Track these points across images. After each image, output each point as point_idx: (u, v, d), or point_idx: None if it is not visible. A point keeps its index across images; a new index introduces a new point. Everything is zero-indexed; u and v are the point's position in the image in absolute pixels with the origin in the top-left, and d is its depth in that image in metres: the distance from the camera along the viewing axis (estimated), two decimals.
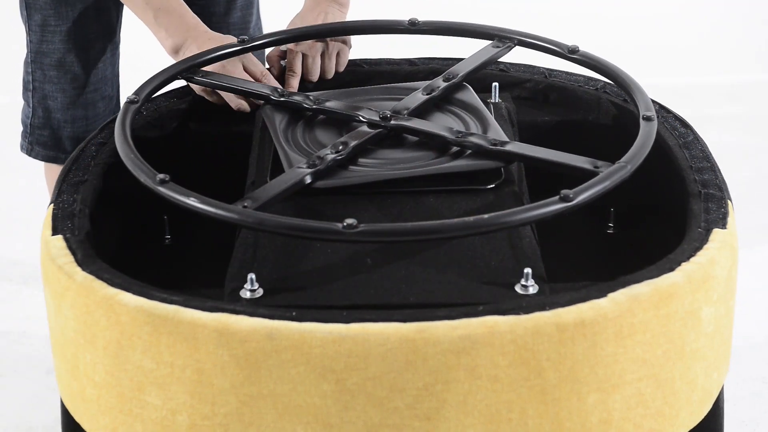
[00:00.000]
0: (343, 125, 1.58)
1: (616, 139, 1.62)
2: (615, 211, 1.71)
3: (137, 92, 1.59)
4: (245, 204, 1.37)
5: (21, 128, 2.08)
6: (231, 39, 1.72)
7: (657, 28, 3.60)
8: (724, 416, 1.48)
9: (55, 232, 1.41)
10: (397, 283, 1.33)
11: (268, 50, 1.79)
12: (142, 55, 3.53)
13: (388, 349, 1.22)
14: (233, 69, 1.69)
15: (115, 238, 1.59)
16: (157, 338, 1.26)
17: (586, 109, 1.73)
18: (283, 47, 1.78)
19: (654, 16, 3.61)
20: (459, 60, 1.73)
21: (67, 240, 1.39)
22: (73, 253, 1.36)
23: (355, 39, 1.89)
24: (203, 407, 1.27)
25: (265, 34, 1.74)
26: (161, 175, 1.38)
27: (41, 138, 1.99)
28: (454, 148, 1.52)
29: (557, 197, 1.33)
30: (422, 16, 1.83)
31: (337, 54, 1.80)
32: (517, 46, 1.72)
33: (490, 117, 1.58)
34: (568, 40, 1.72)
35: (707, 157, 1.54)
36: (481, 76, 1.71)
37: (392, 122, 1.54)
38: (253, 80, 1.69)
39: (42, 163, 2.10)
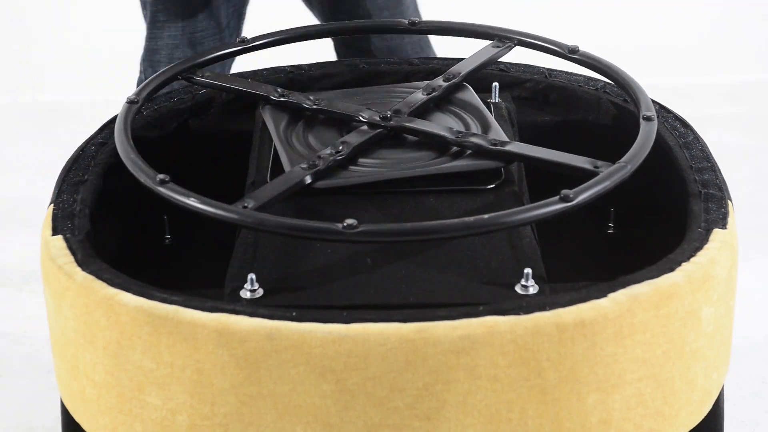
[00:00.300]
0: (343, 125, 1.58)
1: (616, 139, 1.62)
2: (615, 211, 1.71)
3: (137, 92, 1.59)
4: (245, 204, 1.37)
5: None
6: None
7: (657, 28, 3.60)
8: (724, 416, 1.48)
9: (55, 232, 1.41)
10: (397, 283, 1.33)
11: None
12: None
13: (388, 349, 1.22)
14: None
15: (115, 238, 1.59)
16: (157, 338, 1.26)
17: (586, 109, 1.73)
18: None
19: (654, 15, 3.61)
20: (459, 60, 1.73)
21: (67, 240, 1.39)
22: (73, 253, 1.36)
23: None
24: (203, 407, 1.27)
25: (265, 34, 1.74)
26: (161, 176, 1.38)
27: None
28: (454, 148, 1.52)
29: (557, 197, 1.33)
30: (422, 16, 1.83)
31: None
32: (517, 46, 1.72)
33: (490, 117, 1.58)
34: (568, 40, 1.72)
35: (707, 157, 1.54)
36: (481, 76, 1.71)
37: (392, 122, 1.54)
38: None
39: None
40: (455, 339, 1.22)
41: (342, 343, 1.22)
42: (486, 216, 1.31)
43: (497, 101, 1.70)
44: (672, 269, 1.31)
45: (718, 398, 1.44)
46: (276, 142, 1.55)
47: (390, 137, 1.55)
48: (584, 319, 1.25)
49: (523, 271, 1.32)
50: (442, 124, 1.56)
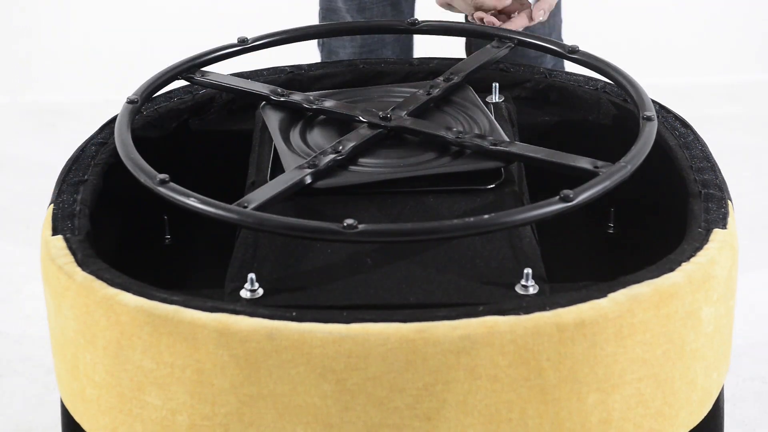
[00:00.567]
0: (343, 125, 1.58)
1: (616, 139, 1.62)
2: (615, 211, 1.71)
3: (137, 92, 1.59)
4: (245, 204, 1.37)
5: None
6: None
7: (657, 28, 3.60)
8: (724, 416, 1.48)
9: (55, 232, 1.41)
10: (397, 283, 1.33)
11: None
12: (142, 55, 3.54)
13: (388, 349, 1.22)
14: None
15: (115, 238, 1.60)
16: (157, 338, 1.26)
17: (586, 109, 1.73)
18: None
19: (654, 15, 3.61)
20: (459, 60, 1.73)
21: (67, 240, 1.39)
22: (73, 253, 1.36)
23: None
24: (203, 407, 1.27)
25: (265, 34, 1.74)
26: (161, 176, 1.38)
27: None
28: (454, 149, 1.52)
29: (557, 197, 1.33)
30: (422, 16, 1.83)
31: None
32: (517, 46, 1.72)
33: (490, 117, 1.58)
34: (568, 40, 1.72)
35: (707, 157, 1.54)
36: (481, 76, 1.71)
37: (392, 122, 1.54)
38: None
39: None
40: (455, 339, 1.22)
41: (342, 343, 1.22)
42: (486, 216, 1.31)
43: (497, 101, 1.70)
44: (672, 269, 1.31)
45: (718, 398, 1.44)
46: (276, 142, 1.55)
47: (390, 137, 1.55)
48: (584, 319, 1.25)
49: (523, 271, 1.32)
50: (442, 124, 1.56)
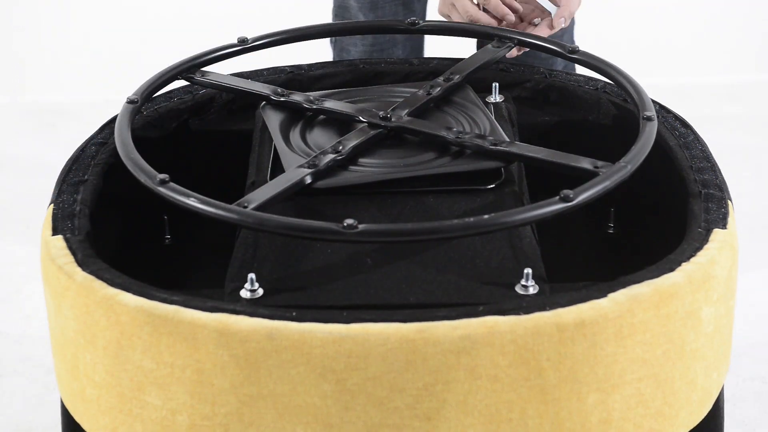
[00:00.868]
0: (343, 125, 1.58)
1: (616, 139, 1.62)
2: (615, 211, 1.71)
3: (137, 92, 1.59)
4: (245, 204, 1.37)
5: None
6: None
7: (657, 28, 3.60)
8: (724, 416, 1.48)
9: (55, 232, 1.41)
10: (397, 283, 1.33)
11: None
12: (142, 55, 3.54)
13: (388, 349, 1.22)
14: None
15: (115, 238, 1.60)
16: (157, 338, 1.26)
17: (586, 109, 1.73)
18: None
19: (654, 15, 3.61)
20: (459, 60, 1.73)
21: (67, 240, 1.39)
22: (73, 253, 1.36)
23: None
24: (203, 407, 1.27)
25: (265, 34, 1.74)
26: (161, 176, 1.38)
27: None
28: (454, 149, 1.52)
29: (557, 197, 1.33)
30: (435, 16, 1.83)
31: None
32: (517, 46, 1.72)
33: (491, 117, 1.58)
34: (568, 40, 1.72)
35: (707, 157, 1.54)
36: (481, 76, 1.71)
37: (392, 122, 1.54)
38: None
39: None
40: (455, 339, 1.22)
41: (342, 343, 1.22)
42: (486, 216, 1.31)
43: (497, 101, 1.70)
44: (672, 269, 1.31)
45: (718, 398, 1.44)
46: (276, 142, 1.55)
47: (390, 137, 1.55)
48: (584, 319, 1.25)
49: (523, 271, 1.32)
50: (442, 124, 1.56)
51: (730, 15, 3.61)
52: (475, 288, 1.32)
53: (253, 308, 1.25)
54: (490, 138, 1.50)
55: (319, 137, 1.56)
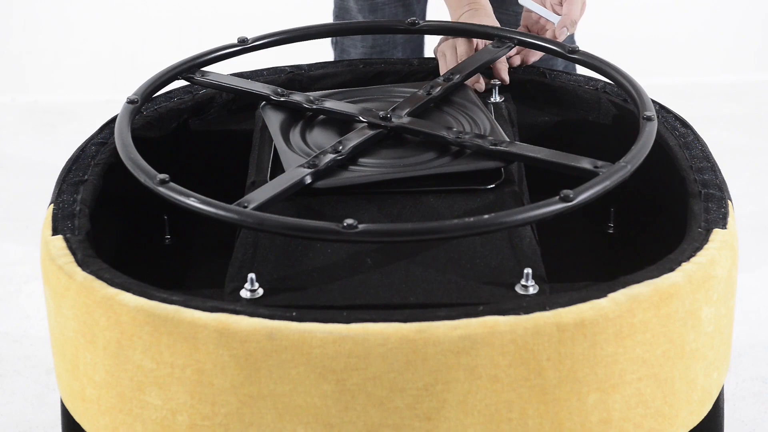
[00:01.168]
0: (343, 125, 1.58)
1: (616, 139, 1.62)
2: (615, 211, 1.71)
3: (137, 92, 1.59)
4: (245, 204, 1.37)
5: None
6: (492, 20, 1.76)
7: (657, 28, 3.60)
8: (724, 416, 1.48)
9: (55, 232, 1.41)
10: (397, 283, 1.33)
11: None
12: (142, 55, 3.54)
13: (388, 349, 1.22)
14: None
15: (115, 238, 1.60)
16: (157, 338, 1.26)
17: (586, 109, 1.73)
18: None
19: (654, 15, 3.61)
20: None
21: (67, 240, 1.39)
22: (74, 253, 1.36)
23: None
24: (203, 407, 1.27)
25: (265, 34, 1.74)
26: (161, 176, 1.38)
27: None
28: (454, 149, 1.52)
29: (557, 197, 1.33)
30: (434, 18, 1.83)
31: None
32: (517, 46, 1.72)
33: (491, 117, 1.58)
34: (569, 41, 1.72)
35: (707, 157, 1.54)
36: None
37: (392, 122, 1.54)
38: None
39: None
40: (455, 339, 1.22)
41: (342, 343, 1.22)
42: (486, 216, 1.31)
43: (497, 101, 1.70)
44: (672, 269, 1.31)
45: (718, 398, 1.44)
46: (276, 142, 1.55)
47: (390, 137, 1.55)
48: (584, 319, 1.25)
49: (523, 271, 1.32)
50: (442, 124, 1.56)
51: (730, 15, 3.61)
52: (475, 288, 1.32)
53: (253, 308, 1.25)
54: (490, 138, 1.50)
55: (319, 137, 1.56)
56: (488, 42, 1.73)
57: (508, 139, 1.51)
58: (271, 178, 1.51)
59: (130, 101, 1.57)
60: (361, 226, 1.29)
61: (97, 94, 3.42)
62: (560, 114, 1.74)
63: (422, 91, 1.62)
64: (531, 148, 1.48)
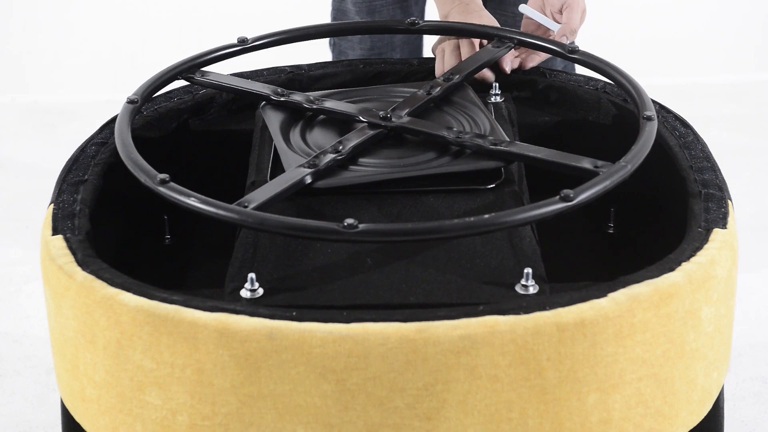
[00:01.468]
0: (343, 125, 1.58)
1: (616, 139, 1.62)
2: (615, 211, 1.71)
3: (137, 92, 1.59)
4: (245, 204, 1.37)
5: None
6: (491, 19, 1.76)
7: (657, 28, 3.60)
8: (724, 416, 1.48)
9: (55, 232, 1.41)
10: (397, 283, 1.33)
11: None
12: (142, 55, 3.54)
13: (388, 349, 1.22)
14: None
15: (115, 238, 1.59)
16: (157, 338, 1.26)
17: (586, 109, 1.73)
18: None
19: (654, 15, 3.61)
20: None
21: (67, 240, 1.39)
22: (74, 253, 1.36)
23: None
24: (203, 407, 1.27)
25: (265, 34, 1.74)
26: (161, 175, 1.38)
27: None
28: (454, 148, 1.52)
29: (558, 197, 1.33)
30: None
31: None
32: (517, 49, 1.72)
33: (491, 117, 1.58)
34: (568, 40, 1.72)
35: (707, 157, 1.54)
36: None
37: (392, 122, 1.54)
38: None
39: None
40: (455, 339, 1.22)
41: (342, 343, 1.22)
42: (486, 216, 1.31)
43: (497, 101, 1.70)
44: (672, 269, 1.31)
45: (718, 398, 1.44)
46: (276, 141, 1.55)
47: (390, 137, 1.55)
48: (584, 319, 1.25)
49: (523, 271, 1.32)
50: (442, 124, 1.56)
51: (730, 15, 3.61)
52: (475, 288, 1.32)
53: (253, 308, 1.25)
54: (490, 138, 1.50)
55: (319, 137, 1.56)
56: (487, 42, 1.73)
57: (508, 139, 1.51)
58: (271, 178, 1.51)
59: (130, 101, 1.57)
60: (361, 226, 1.29)
61: (97, 94, 3.42)
62: (560, 114, 1.74)
63: (422, 91, 1.62)
64: (531, 148, 1.48)
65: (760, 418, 2.12)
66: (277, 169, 1.52)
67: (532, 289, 1.31)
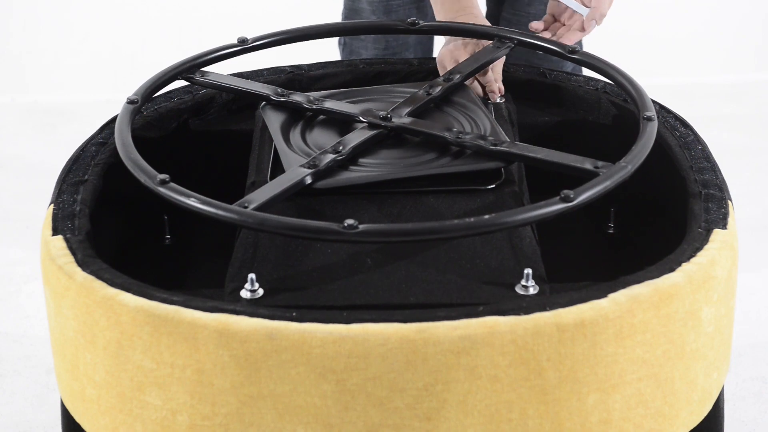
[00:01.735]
0: (343, 125, 1.58)
1: (616, 139, 1.62)
2: (615, 211, 1.71)
3: (137, 92, 1.59)
4: (245, 204, 1.37)
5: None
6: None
7: (657, 28, 3.60)
8: (724, 416, 1.48)
9: (55, 232, 1.41)
10: (397, 283, 1.33)
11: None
12: (142, 55, 3.54)
13: (388, 349, 1.22)
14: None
15: (115, 238, 1.60)
16: (158, 338, 1.26)
17: (586, 109, 1.73)
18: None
19: (654, 15, 3.61)
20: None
21: (67, 240, 1.39)
22: (74, 254, 1.36)
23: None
24: (203, 407, 1.27)
25: (265, 34, 1.74)
26: (161, 176, 1.38)
27: None
28: (454, 149, 1.52)
29: (558, 197, 1.33)
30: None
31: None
32: (517, 46, 1.72)
33: (491, 117, 1.58)
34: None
35: (707, 157, 1.54)
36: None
37: (392, 122, 1.54)
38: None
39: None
40: (455, 339, 1.22)
41: (342, 344, 1.22)
42: (486, 216, 1.31)
43: (497, 101, 1.70)
44: (672, 269, 1.31)
45: (718, 398, 1.44)
46: (276, 142, 1.55)
47: (390, 137, 1.55)
48: (584, 319, 1.25)
49: (523, 271, 1.32)
50: (442, 125, 1.56)
51: (730, 15, 3.61)
52: (475, 288, 1.32)
53: (253, 308, 1.25)
54: (490, 138, 1.50)
55: (320, 137, 1.56)
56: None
57: (508, 139, 1.51)
58: (272, 178, 1.51)
59: (130, 101, 1.57)
60: (361, 227, 1.29)
61: (97, 94, 3.42)
62: (560, 114, 1.74)
63: (422, 91, 1.62)
64: (531, 148, 1.48)
65: (760, 418, 2.12)
66: (277, 169, 1.52)
67: (532, 290, 1.31)
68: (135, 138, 1.49)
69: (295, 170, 1.45)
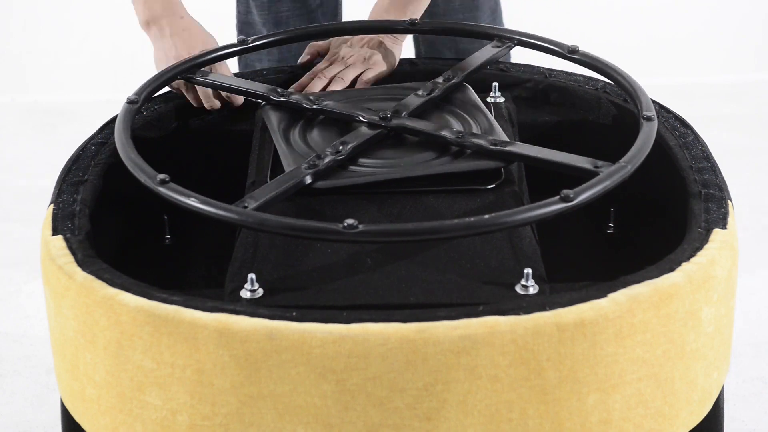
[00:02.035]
0: (343, 125, 1.58)
1: (616, 139, 1.62)
2: (615, 211, 1.71)
3: (137, 92, 1.59)
4: (245, 204, 1.37)
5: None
6: (201, 32, 1.73)
7: (657, 28, 3.60)
8: (724, 416, 1.48)
9: (55, 232, 1.41)
10: (397, 283, 1.33)
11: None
12: (142, 55, 3.54)
13: (388, 349, 1.22)
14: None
15: (115, 238, 1.60)
16: (158, 338, 1.26)
17: (586, 109, 1.73)
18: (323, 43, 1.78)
19: (654, 15, 3.61)
20: (459, 60, 1.73)
21: (67, 240, 1.39)
22: (74, 254, 1.36)
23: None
24: (203, 407, 1.27)
25: (265, 34, 1.74)
26: (161, 176, 1.38)
27: None
28: (454, 149, 1.52)
29: (558, 197, 1.33)
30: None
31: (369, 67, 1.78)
32: (517, 46, 1.72)
33: (491, 117, 1.58)
34: (568, 40, 1.72)
35: (707, 157, 1.54)
36: (481, 76, 1.71)
37: (392, 122, 1.54)
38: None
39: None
40: (455, 339, 1.22)
41: (342, 343, 1.22)
42: (486, 216, 1.31)
43: (497, 101, 1.70)
44: (672, 269, 1.31)
45: (718, 398, 1.44)
46: (276, 142, 1.55)
47: (390, 137, 1.55)
48: (584, 319, 1.25)
49: (523, 271, 1.32)
50: (442, 125, 1.56)
51: (730, 15, 3.61)
52: (475, 288, 1.32)
53: (253, 308, 1.25)
54: (490, 138, 1.50)
55: (319, 137, 1.56)
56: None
57: (508, 139, 1.51)
58: (271, 178, 1.51)
59: (130, 101, 1.57)
60: (361, 227, 1.29)
61: (97, 94, 3.42)
62: (560, 114, 1.74)
63: (422, 91, 1.62)
64: (531, 148, 1.48)
65: (760, 418, 2.12)
66: (277, 169, 1.52)
67: (532, 290, 1.31)
68: (135, 138, 1.49)
69: (295, 170, 1.45)
